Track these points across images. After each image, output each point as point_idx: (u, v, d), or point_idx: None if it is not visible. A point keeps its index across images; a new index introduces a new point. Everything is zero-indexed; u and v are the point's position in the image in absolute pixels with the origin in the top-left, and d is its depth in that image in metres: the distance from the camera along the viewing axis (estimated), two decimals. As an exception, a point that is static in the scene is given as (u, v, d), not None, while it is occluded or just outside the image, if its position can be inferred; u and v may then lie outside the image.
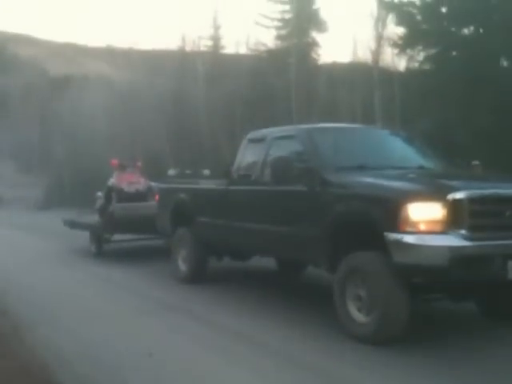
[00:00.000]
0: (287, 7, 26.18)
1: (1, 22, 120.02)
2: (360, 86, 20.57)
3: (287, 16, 26.17)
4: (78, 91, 31.29)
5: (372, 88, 18.72)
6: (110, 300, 6.92)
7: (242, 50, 30.81)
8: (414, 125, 13.75)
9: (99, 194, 11.46)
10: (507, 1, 13.24)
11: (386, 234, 4.53)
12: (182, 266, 7.74)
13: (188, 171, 9.75)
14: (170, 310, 6.31)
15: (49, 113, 33.96)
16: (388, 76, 18.75)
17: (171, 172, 9.62)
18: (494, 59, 13.51)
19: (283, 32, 26.36)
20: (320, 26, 25.59)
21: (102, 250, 10.65)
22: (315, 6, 25.63)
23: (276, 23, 26.72)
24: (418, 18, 16.13)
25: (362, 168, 5.43)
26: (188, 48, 30.82)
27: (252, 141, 6.90)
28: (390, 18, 18.09)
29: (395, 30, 17.64)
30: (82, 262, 10.14)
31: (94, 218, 11.16)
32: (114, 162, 11.18)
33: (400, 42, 16.96)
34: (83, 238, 11.28)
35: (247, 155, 6.83)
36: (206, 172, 9.85)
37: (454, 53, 15.08)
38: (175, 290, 7.32)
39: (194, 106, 25.18)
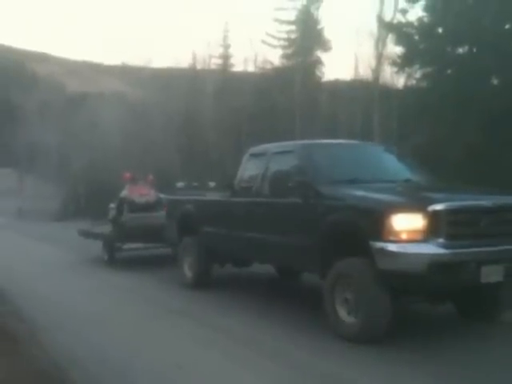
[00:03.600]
0: (293, 27, 26.62)
1: (20, 41, 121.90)
2: (361, 102, 20.92)
3: (293, 36, 26.60)
4: (94, 108, 31.80)
5: (372, 104, 19.03)
6: (121, 306, 7.14)
7: (250, 68, 31.25)
8: (409, 140, 13.99)
9: (112, 205, 11.78)
10: (497, 23, 13.55)
11: (371, 242, 4.80)
12: (188, 273, 8.01)
13: (195, 184, 10.03)
14: (176, 313, 6.55)
15: (66, 128, 34.50)
16: (387, 93, 19.06)
17: (179, 184, 9.91)
18: (486, 77, 13.78)
19: (289, 51, 26.78)
20: (324, 45, 26.02)
21: (114, 259, 10.95)
22: (320, 26, 26.10)
23: (282, 42, 27.17)
24: (416, 38, 16.41)
25: (353, 181, 5.67)
26: (199, 66, 31.35)
27: (253, 155, 7.18)
28: (390, 38, 18.49)
29: (394, 49, 18.02)
30: (95, 270, 10.38)
31: (106, 228, 11.48)
32: (127, 175, 11.53)
33: (399, 61, 17.27)
34: (96, 247, 11.57)
35: (249, 169, 7.10)
36: (212, 184, 10.14)
37: (449, 71, 15.36)
38: (182, 296, 7.56)
39: (204, 121, 25.58)
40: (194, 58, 31.31)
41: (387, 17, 18.95)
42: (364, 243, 4.87)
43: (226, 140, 23.48)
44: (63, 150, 34.27)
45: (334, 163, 6.18)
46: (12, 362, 4.63)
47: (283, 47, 26.93)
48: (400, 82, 19.61)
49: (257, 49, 33.84)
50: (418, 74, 16.52)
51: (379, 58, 19.78)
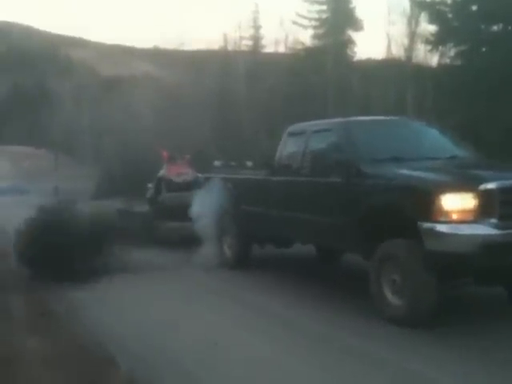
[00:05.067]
0: (324, 7, 26.03)
1: (54, 26, 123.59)
2: (394, 81, 20.40)
3: (324, 16, 26.03)
4: (127, 90, 31.90)
5: (405, 83, 18.54)
6: (157, 284, 7.03)
7: (281, 49, 30.83)
8: (446, 119, 13.49)
9: (149, 185, 11.76)
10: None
11: (419, 223, 4.56)
12: (227, 252, 7.87)
13: (233, 163, 9.85)
14: (214, 293, 6.46)
15: (100, 110, 34.76)
16: (420, 71, 18.51)
17: (217, 163, 9.75)
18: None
19: (320, 31, 26.25)
20: (356, 24, 25.40)
21: (153, 237, 10.90)
22: (351, 5, 25.48)
23: (313, 23, 26.63)
24: (450, 16, 15.96)
25: (396, 159, 5.39)
26: (230, 48, 31.08)
27: (292, 134, 6.94)
28: (423, 16, 17.97)
29: (427, 28, 17.52)
30: (133, 249, 10.37)
31: (144, 207, 11.45)
32: (165, 154, 11.46)
33: (432, 39, 16.81)
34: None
35: (288, 147, 6.86)
36: (249, 164, 9.96)
37: (484, 49, 14.89)
38: (221, 275, 7.42)
39: (237, 102, 25.40)
40: (225, 40, 31.07)
41: (419, -5, 18.31)
42: (411, 224, 4.64)
43: (260, 119, 23.24)
44: (98, 132, 34.59)
45: (375, 141, 5.86)
46: (53, 340, 4.62)
47: (314, 27, 26.42)
48: (434, 60, 19.01)
49: (287, 30, 33.24)
50: (452, 53, 16.09)
51: (412, 36, 19.26)
